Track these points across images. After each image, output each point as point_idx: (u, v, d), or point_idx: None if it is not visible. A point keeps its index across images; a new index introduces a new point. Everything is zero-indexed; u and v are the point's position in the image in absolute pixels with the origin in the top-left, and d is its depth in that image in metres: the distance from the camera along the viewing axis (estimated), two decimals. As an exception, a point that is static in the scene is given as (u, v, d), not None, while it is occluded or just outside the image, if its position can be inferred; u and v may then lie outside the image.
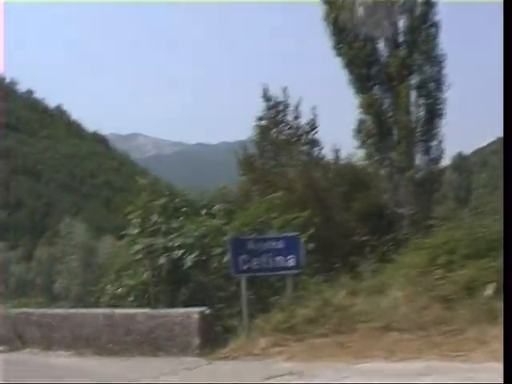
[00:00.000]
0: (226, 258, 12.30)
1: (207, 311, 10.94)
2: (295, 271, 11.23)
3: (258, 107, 28.74)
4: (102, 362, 11.46)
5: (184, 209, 14.45)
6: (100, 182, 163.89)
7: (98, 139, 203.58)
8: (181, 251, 12.81)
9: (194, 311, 10.77)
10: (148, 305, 12.62)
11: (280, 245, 11.12)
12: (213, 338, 10.83)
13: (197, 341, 10.59)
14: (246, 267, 11.03)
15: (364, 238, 18.81)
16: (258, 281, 12.04)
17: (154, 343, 11.18)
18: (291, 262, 11.06)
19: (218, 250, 12.69)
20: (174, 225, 13.56)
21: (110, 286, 14.59)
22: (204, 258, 12.72)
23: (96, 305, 14.77)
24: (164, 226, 13.66)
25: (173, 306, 12.05)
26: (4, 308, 15.35)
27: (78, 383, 10.06)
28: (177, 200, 14.49)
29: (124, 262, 14.60)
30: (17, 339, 13.89)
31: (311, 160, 27.87)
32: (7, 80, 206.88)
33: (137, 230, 14.10)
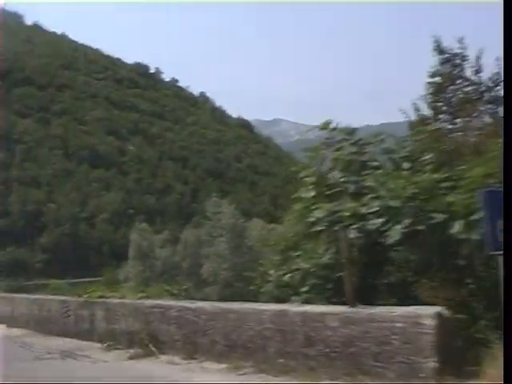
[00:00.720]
0: (454, 228, 7.97)
1: (446, 313, 6.61)
2: None
3: (430, 62, 24.14)
4: (272, 386, 7.50)
5: (375, 163, 10.22)
6: (245, 166, 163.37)
7: (242, 124, 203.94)
8: (380, 220, 8.62)
9: (426, 313, 6.46)
10: (334, 298, 8.59)
11: None
12: (456, 357, 6.50)
13: (432, 362, 6.30)
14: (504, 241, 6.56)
15: None
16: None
17: (353, 361, 7.02)
18: None
19: (439, 217, 8.33)
20: (368, 183, 9.35)
21: (273, 270, 10.66)
22: (418, 228, 8.39)
23: (253, 296, 11.03)
24: (352, 185, 9.51)
25: (372, 300, 7.91)
26: (136, 298, 11.74)
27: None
28: (366, 151, 10.27)
29: (293, 238, 10.59)
30: (150, 341, 10.26)
31: (496, 122, 22.94)
32: (152, 70, 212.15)
33: (312, 193, 10.00)
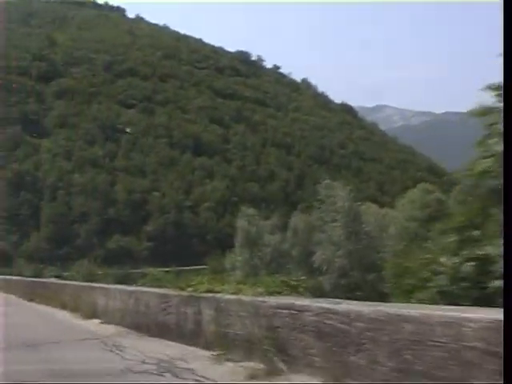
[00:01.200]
0: None
1: None
2: None
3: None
4: None
5: None
6: (349, 152, 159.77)
7: (346, 110, 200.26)
8: None
9: None
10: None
11: None
12: None
13: None
14: None
15: None
16: None
17: None
18: None
19: None
20: None
21: (446, 258, 7.61)
22: None
23: (371, 286, 7.94)
24: None
25: None
26: (254, 294, 8.91)
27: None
28: None
29: (475, 210, 7.52)
30: (277, 354, 7.43)
31: None
32: (253, 57, 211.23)
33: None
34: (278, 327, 7.49)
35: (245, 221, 50.02)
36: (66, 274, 51.96)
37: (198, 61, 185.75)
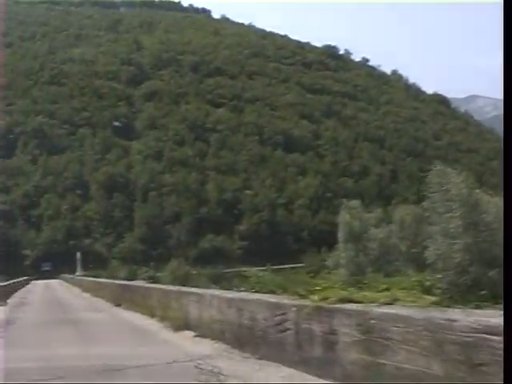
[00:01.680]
0: None
1: None
2: None
3: None
4: None
5: None
6: (445, 143, 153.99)
7: (439, 100, 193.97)
8: None
9: None
10: None
11: None
12: None
13: None
14: None
15: None
16: None
17: None
18: None
19: None
20: None
21: None
22: None
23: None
24: None
25: None
26: (419, 303, 5.93)
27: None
28: None
29: None
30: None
31: None
32: (341, 51, 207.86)
33: None
34: (483, 364, 4.49)
35: (348, 214, 45.97)
36: (159, 274, 50.25)
37: (285, 57, 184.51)
